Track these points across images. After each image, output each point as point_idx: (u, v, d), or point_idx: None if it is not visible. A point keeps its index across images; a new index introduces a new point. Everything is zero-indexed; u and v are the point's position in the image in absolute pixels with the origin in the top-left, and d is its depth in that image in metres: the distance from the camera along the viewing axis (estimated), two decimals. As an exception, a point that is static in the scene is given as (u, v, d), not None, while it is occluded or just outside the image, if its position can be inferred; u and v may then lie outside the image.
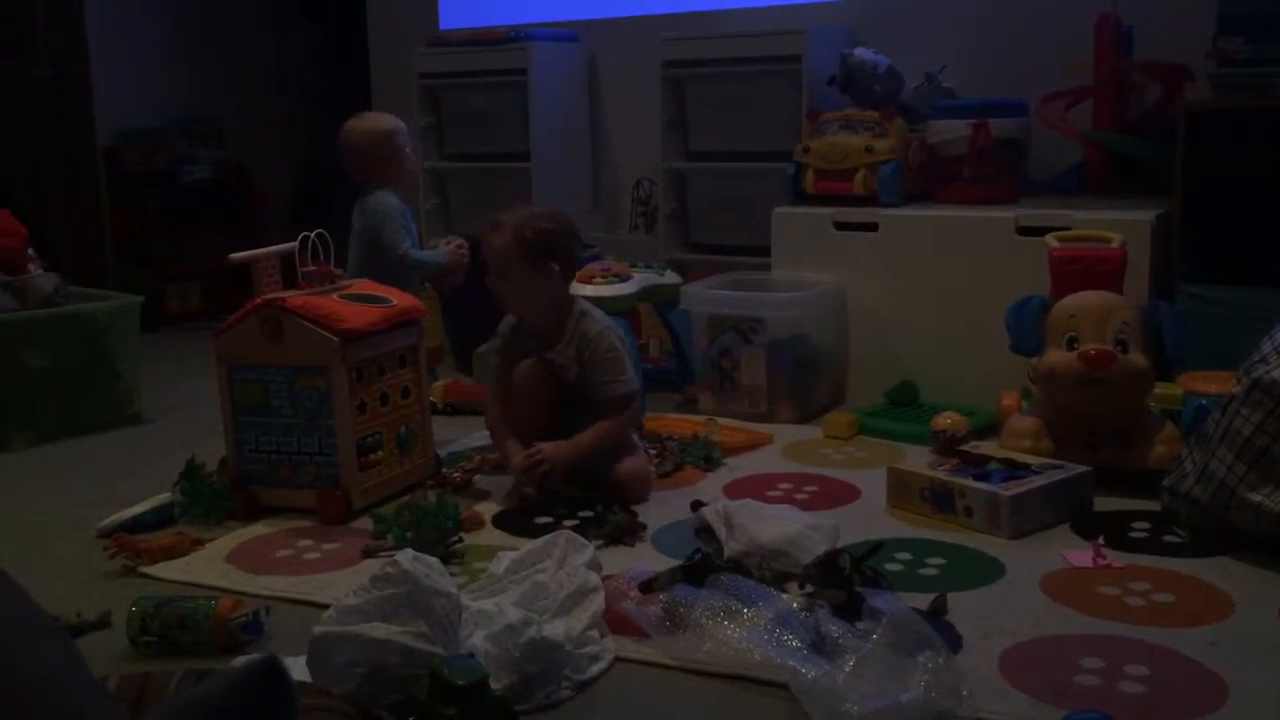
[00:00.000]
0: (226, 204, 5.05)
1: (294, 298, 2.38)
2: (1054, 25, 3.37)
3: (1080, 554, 2.04)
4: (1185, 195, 2.82)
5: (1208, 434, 2.08)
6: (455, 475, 2.54)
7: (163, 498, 2.38)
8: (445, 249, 3.08)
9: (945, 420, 2.62)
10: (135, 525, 2.28)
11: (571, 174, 4.25)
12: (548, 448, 2.38)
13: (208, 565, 2.13)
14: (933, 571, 2.01)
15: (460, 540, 2.15)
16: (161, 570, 2.09)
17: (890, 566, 1.99)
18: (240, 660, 1.63)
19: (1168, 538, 2.13)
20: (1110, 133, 3.13)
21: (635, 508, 2.31)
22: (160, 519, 2.34)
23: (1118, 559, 2.02)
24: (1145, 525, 2.19)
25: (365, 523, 2.28)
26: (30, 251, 3.28)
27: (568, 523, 2.22)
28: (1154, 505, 2.23)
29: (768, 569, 1.91)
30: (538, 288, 2.44)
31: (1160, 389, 2.47)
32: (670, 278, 3.40)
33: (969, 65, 3.48)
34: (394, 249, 2.92)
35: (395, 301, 2.53)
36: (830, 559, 1.84)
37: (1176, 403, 2.49)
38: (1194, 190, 2.81)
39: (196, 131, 5.15)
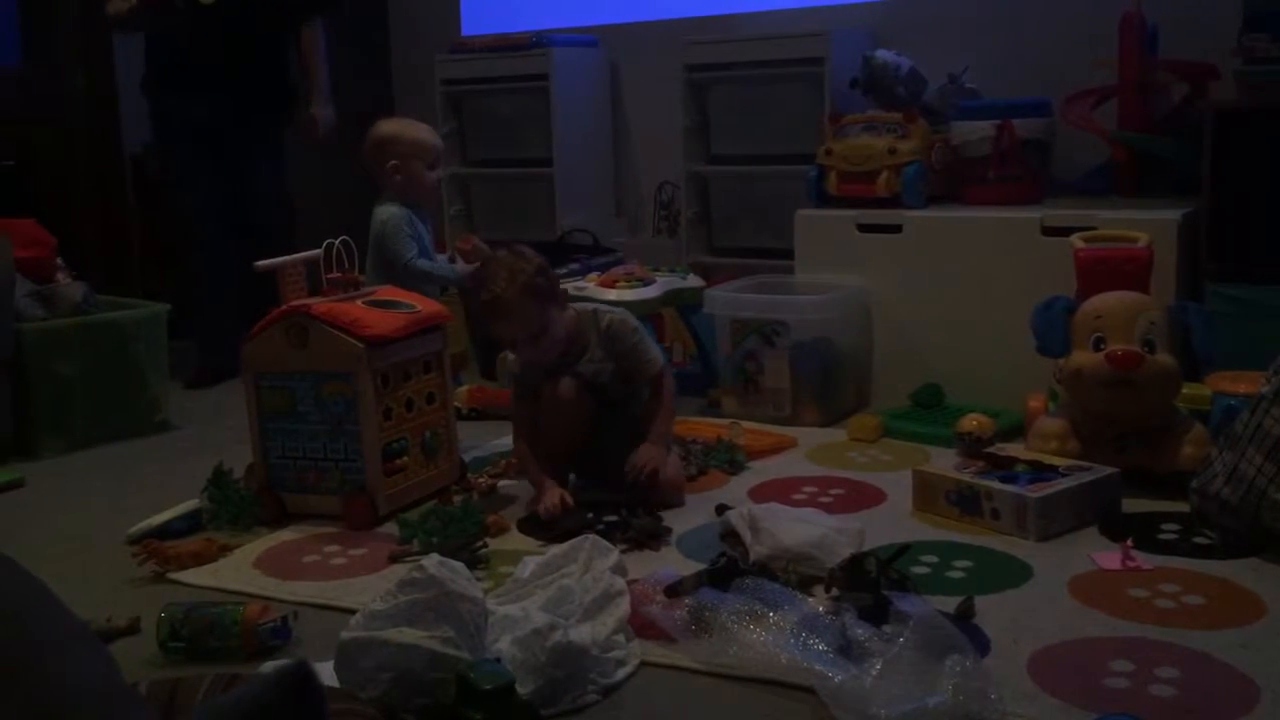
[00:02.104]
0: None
1: (319, 305, 2.40)
2: (1078, 25, 3.36)
3: (1109, 556, 2.03)
4: (1212, 194, 2.80)
5: (1237, 434, 2.06)
6: (480, 480, 2.55)
7: (191, 504, 2.40)
8: (460, 267, 2.98)
9: (971, 422, 2.61)
10: (164, 531, 2.30)
11: (594, 179, 4.26)
12: (647, 456, 2.36)
13: (236, 571, 2.14)
14: (959, 574, 2.00)
15: (485, 545, 2.16)
16: (190, 576, 2.11)
17: (917, 569, 1.98)
18: (271, 665, 1.64)
19: (1197, 539, 2.11)
20: (1136, 132, 3.11)
21: (661, 512, 2.31)
22: (189, 525, 2.36)
23: (1147, 561, 2.01)
24: (1174, 527, 2.17)
25: (391, 528, 2.29)
26: (59, 261, 3.32)
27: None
28: (1183, 507, 2.21)
29: (793, 572, 1.91)
30: (560, 320, 2.41)
31: (1188, 389, 2.45)
32: (693, 281, 3.40)
33: (992, 66, 3.46)
34: (398, 260, 2.88)
35: (420, 308, 2.54)
36: (856, 562, 1.84)
37: (1205, 403, 2.47)
38: (1221, 189, 2.79)
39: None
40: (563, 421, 2.42)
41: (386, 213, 2.91)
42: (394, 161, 2.89)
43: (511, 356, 2.53)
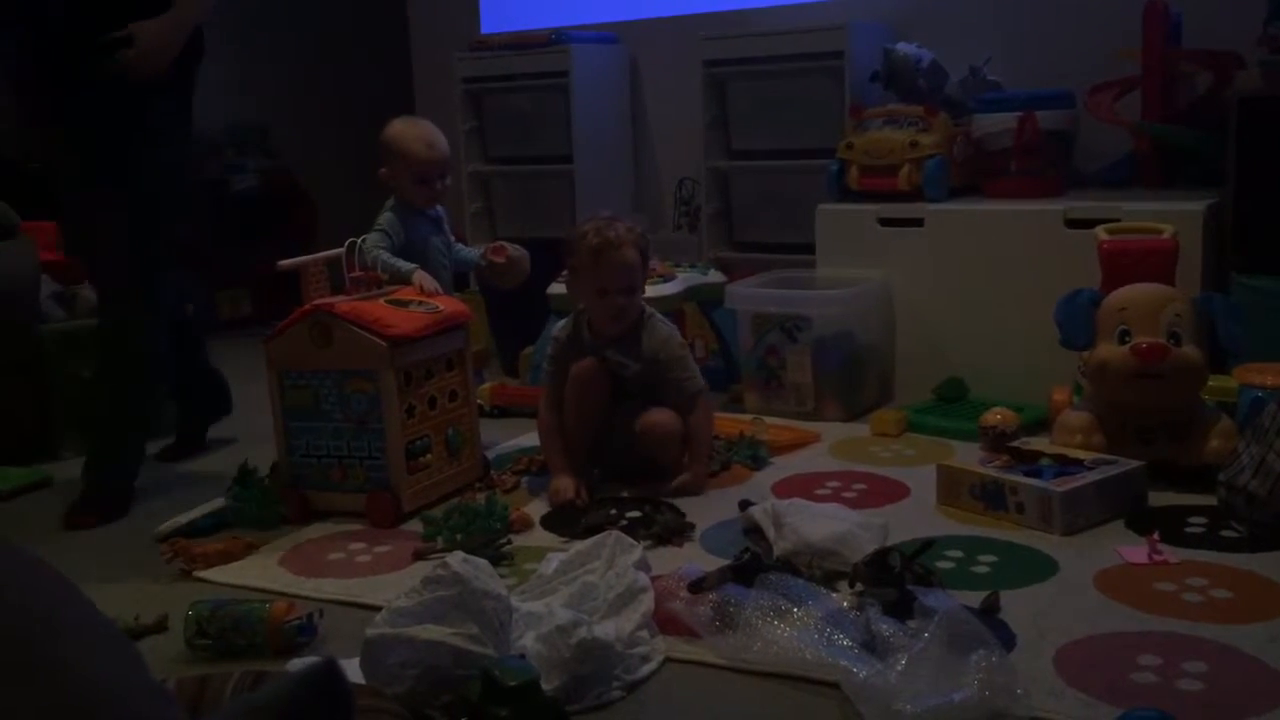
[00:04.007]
0: (276, 211, 5.11)
1: (342, 303, 2.41)
2: (1101, 14, 3.34)
3: (1135, 550, 2.02)
4: (1237, 185, 2.77)
5: (1263, 427, 2.04)
6: (504, 477, 2.55)
7: (217, 503, 2.42)
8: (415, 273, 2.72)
9: (995, 416, 2.60)
10: (190, 530, 2.31)
11: (614, 175, 4.26)
12: (691, 480, 2.44)
13: (261, 569, 2.15)
14: (984, 569, 1.99)
15: (509, 542, 2.16)
16: (216, 574, 2.12)
17: (941, 564, 1.98)
18: (298, 663, 1.65)
19: (1224, 532, 2.09)
20: (1160, 123, 3.09)
21: (681, 505, 2.31)
22: (215, 523, 2.37)
23: (1174, 555, 1.99)
24: (1201, 520, 2.16)
25: (415, 525, 2.30)
26: (85, 262, 3.34)
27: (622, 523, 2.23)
28: (1210, 500, 2.19)
29: (817, 568, 1.90)
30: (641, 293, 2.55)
31: (1214, 382, 2.43)
32: (714, 277, 3.40)
33: (1014, 57, 3.44)
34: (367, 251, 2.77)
35: (442, 306, 2.54)
36: (880, 557, 1.83)
37: (1231, 395, 2.45)
38: (1246, 179, 2.76)
39: (245, 140, 5.20)
40: (579, 396, 2.48)
41: (381, 214, 2.84)
42: (383, 169, 2.83)
43: (556, 330, 2.59)
